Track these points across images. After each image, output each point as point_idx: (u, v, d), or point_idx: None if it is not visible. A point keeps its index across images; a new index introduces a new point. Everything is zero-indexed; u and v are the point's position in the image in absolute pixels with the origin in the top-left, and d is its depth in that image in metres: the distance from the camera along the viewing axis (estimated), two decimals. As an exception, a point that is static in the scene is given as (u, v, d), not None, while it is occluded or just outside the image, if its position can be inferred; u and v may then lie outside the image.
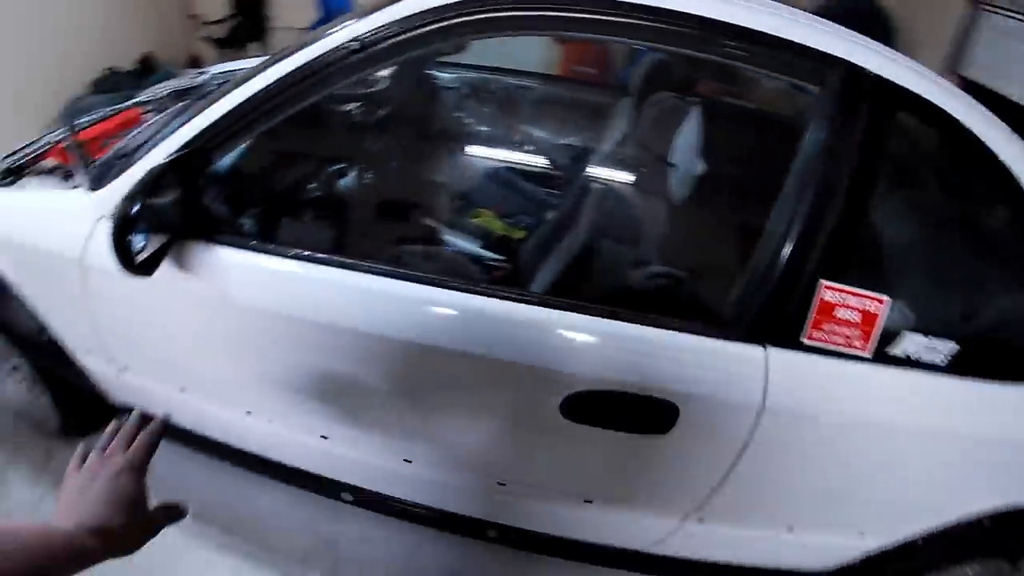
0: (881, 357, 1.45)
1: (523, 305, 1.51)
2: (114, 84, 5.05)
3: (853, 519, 1.74)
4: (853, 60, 1.40)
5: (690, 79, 2.36)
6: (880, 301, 1.41)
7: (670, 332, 1.48)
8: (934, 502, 1.67)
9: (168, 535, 0.93)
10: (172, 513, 0.95)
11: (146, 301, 1.77)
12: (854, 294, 1.42)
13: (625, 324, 1.49)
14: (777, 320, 1.47)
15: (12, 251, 1.90)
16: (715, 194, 2.08)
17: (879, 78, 1.39)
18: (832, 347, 1.45)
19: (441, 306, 1.54)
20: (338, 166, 2.23)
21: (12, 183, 1.93)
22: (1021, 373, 1.50)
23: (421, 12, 1.45)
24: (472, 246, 2.10)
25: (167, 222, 1.54)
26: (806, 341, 1.45)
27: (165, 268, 1.58)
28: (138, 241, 1.46)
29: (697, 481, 1.67)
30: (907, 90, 1.40)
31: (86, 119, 2.20)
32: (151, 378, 2.04)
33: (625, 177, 2.25)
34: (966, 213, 1.76)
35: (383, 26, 1.47)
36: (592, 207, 2.12)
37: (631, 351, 1.50)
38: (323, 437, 1.86)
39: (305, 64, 1.52)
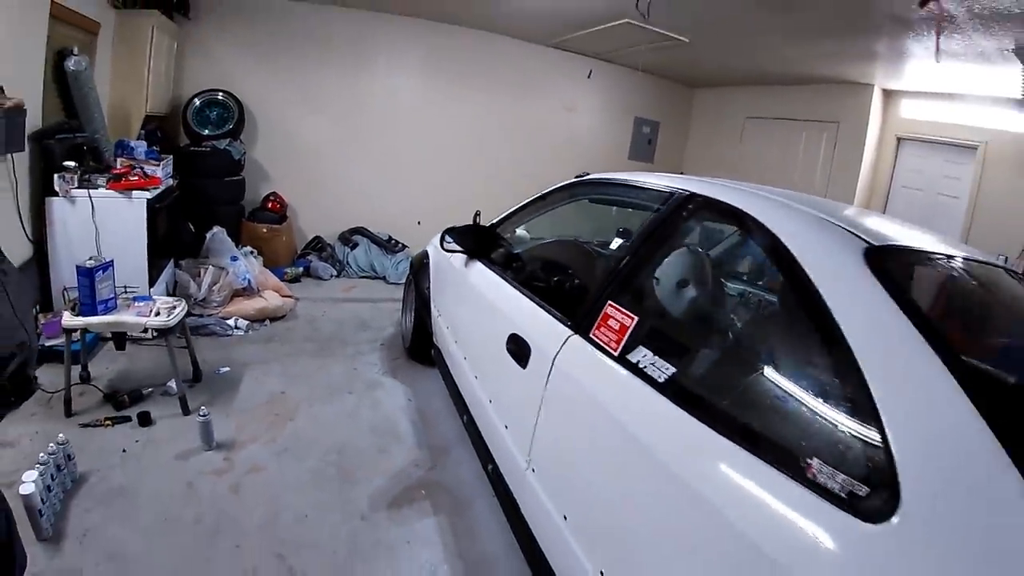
0: (622, 359, 1.95)
1: (524, 297, 2.78)
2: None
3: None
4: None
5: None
6: (632, 318, 2.01)
7: (544, 310, 2.52)
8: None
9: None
10: None
11: (450, 278, 3.79)
12: (618, 310, 2.07)
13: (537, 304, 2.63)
14: (584, 320, 2.22)
15: (440, 256, 4.09)
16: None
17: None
18: (602, 343, 2.07)
19: (508, 294, 2.95)
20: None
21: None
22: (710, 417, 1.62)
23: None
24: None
25: (467, 248, 3.48)
26: (593, 335, 2.14)
27: (459, 262, 3.61)
28: (449, 243, 3.52)
29: (528, 420, 2.35)
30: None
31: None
32: (443, 321, 3.91)
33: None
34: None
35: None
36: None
37: (526, 312, 2.63)
38: (475, 377, 3.14)
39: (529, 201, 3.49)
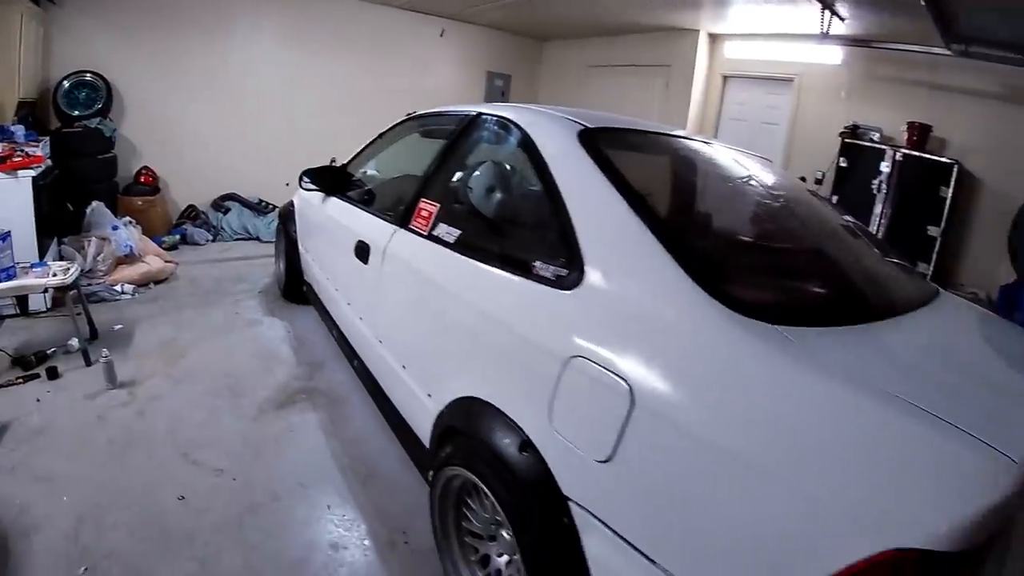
0: (429, 235, 2.66)
1: (367, 213, 3.41)
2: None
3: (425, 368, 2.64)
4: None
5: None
6: (435, 206, 2.74)
7: (380, 218, 3.18)
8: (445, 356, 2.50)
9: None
10: None
11: (312, 216, 4.34)
12: (427, 202, 2.79)
13: (374, 215, 3.29)
14: (405, 216, 2.90)
15: (303, 201, 4.67)
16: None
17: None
18: (417, 228, 2.78)
19: (355, 215, 3.55)
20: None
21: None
22: (480, 255, 2.34)
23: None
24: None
25: (323, 186, 4.04)
26: (410, 226, 2.83)
27: (318, 201, 4.15)
28: (306, 183, 4.06)
29: (374, 304, 3.08)
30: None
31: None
32: (309, 256, 4.52)
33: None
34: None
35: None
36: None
37: (368, 224, 3.26)
38: (336, 290, 3.86)
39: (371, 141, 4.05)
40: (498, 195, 2.40)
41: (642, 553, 1.51)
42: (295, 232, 4.91)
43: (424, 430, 2.49)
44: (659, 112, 8.50)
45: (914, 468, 1.21)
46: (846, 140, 7.07)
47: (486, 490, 1.98)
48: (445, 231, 2.56)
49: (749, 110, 8.31)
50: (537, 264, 2.01)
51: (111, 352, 3.91)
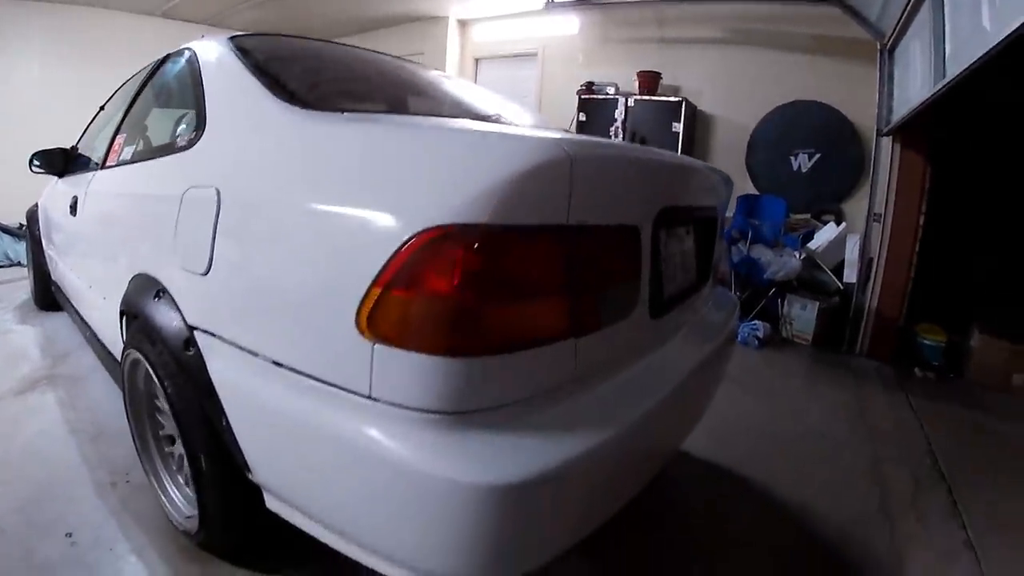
0: (118, 163, 2.72)
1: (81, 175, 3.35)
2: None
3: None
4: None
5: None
6: (123, 136, 2.81)
7: (88, 172, 3.26)
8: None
9: None
10: None
11: (50, 208, 4.15)
12: (119, 137, 2.84)
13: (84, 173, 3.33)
14: (104, 159, 2.92)
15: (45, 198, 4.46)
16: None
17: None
18: (110, 164, 2.82)
19: (75, 183, 3.45)
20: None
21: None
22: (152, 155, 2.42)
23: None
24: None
25: (54, 167, 3.81)
26: (106, 164, 2.87)
27: (52, 188, 4.09)
28: (36, 167, 3.81)
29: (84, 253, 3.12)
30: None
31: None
32: (52, 251, 4.25)
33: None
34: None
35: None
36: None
37: (78, 182, 3.36)
38: (64, 263, 3.74)
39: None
40: (164, 107, 2.48)
41: (247, 350, 1.57)
42: (39, 231, 4.67)
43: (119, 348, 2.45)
44: (414, 100, 8.66)
45: (441, 164, 1.32)
46: (583, 97, 7.65)
47: (142, 358, 2.00)
48: (127, 152, 2.65)
49: (501, 88, 8.53)
50: (177, 139, 2.17)
51: None
